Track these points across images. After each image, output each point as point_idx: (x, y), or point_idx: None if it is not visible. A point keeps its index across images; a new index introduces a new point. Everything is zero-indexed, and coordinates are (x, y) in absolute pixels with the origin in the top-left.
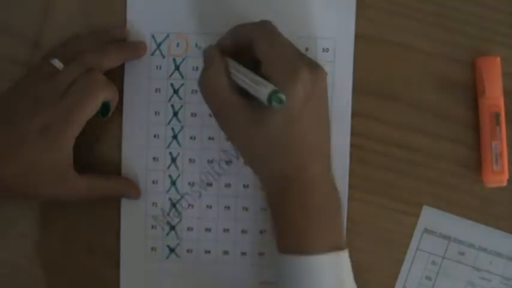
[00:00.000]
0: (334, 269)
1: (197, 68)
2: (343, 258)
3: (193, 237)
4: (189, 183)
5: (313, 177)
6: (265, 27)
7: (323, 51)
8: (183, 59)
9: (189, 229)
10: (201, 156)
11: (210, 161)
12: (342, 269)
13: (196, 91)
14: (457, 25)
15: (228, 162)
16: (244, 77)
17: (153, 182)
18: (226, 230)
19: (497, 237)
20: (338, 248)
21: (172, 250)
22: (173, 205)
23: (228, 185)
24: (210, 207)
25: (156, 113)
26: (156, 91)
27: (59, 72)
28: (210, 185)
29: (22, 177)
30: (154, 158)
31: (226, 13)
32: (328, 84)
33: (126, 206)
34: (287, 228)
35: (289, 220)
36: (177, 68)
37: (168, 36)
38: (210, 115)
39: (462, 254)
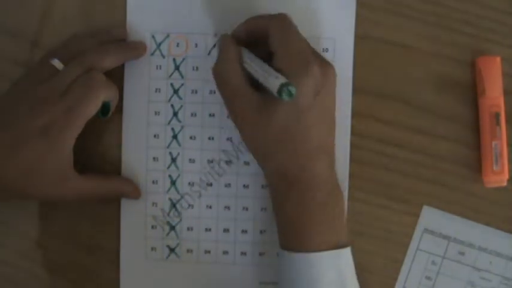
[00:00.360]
0: (336, 266)
1: (197, 68)
2: (344, 255)
3: (193, 237)
4: (189, 183)
5: (317, 175)
6: (282, 20)
7: (323, 51)
8: (183, 59)
9: (189, 229)
10: (201, 156)
11: (210, 161)
12: (343, 266)
13: (196, 91)
14: (457, 25)
15: (228, 162)
16: (257, 67)
17: (153, 182)
18: (226, 230)
19: (497, 237)
20: (340, 245)
21: (172, 250)
22: (173, 205)
23: (228, 185)
24: (210, 207)
25: (156, 113)
26: (156, 91)
27: (59, 73)
28: (210, 185)
29: (22, 178)
30: (154, 158)
31: (227, 13)
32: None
33: (126, 206)
34: (289, 225)
35: (291, 217)
36: (177, 68)
37: (168, 36)
38: (210, 115)
39: (462, 254)
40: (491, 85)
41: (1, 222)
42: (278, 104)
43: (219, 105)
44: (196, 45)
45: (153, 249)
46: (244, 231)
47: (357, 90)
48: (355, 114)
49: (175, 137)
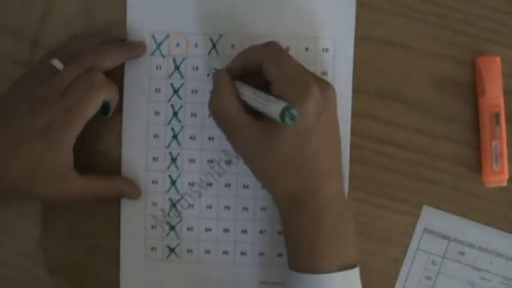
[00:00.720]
0: (346, 287)
1: (197, 68)
2: (353, 276)
3: (193, 237)
4: (189, 183)
5: (326, 197)
6: (274, 47)
7: (323, 51)
8: (183, 59)
9: (189, 229)
10: (201, 156)
11: (210, 161)
12: (352, 286)
13: (196, 91)
14: (457, 25)
15: (228, 162)
16: (255, 97)
17: (153, 182)
18: (226, 230)
19: (497, 237)
20: (349, 265)
21: (172, 250)
22: (173, 205)
23: (228, 185)
24: (210, 207)
25: (156, 113)
26: (156, 91)
27: (59, 73)
28: (210, 185)
29: (22, 178)
30: (154, 158)
31: (226, 13)
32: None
33: (126, 206)
34: (298, 246)
35: (301, 239)
36: (177, 68)
37: (168, 36)
38: (210, 115)
39: (462, 254)
40: (491, 85)
41: (1, 222)
42: (281, 130)
43: None
44: (196, 45)
45: (153, 249)
46: (244, 231)
47: (357, 90)
48: (355, 114)
49: (175, 137)
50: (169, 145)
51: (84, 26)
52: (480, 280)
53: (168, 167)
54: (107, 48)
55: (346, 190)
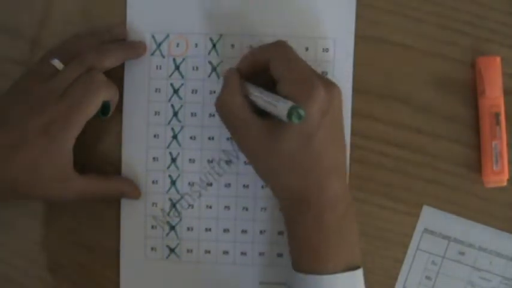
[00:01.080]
0: (350, 287)
1: (197, 68)
2: (357, 277)
3: (193, 237)
4: (189, 183)
5: (330, 197)
6: (281, 47)
7: (323, 51)
8: (183, 59)
9: (189, 229)
10: (201, 156)
11: (210, 161)
12: (356, 287)
13: (196, 91)
14: (457, 25)
15: (228, 162)
16: (262, 96)
17: (153, 182)
18: (226, 230)
19: (497, 237)
20: (353, 266)
21: (172, 250)
22: (173, 205)
23: (228, 185)
24: (210, 207)
25: (156, 113)
26: (156, 91)
27: (59, 72)
28: (210, 185)
29: (22, 178)
30: (154, 158)
31: (226, 13)
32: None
33: (126, 206)
34: (302, 247)
35: (305, 240)
36: (177, 68)
37: (168, 36)
38: (210, 115)
39: (462, 254)
40: (491, 85)
41: (1, 222)
42: (286, 129)
43: None
44: (196, 45)
45: (153, 249)
46: (244, 231)
47: (357, 90)
48: (355, 114)
49: (175, 137)
50: (169, 145)
51: (84, 26)
52: (480, 280)
53: (168, 167)
54: (107, 48)
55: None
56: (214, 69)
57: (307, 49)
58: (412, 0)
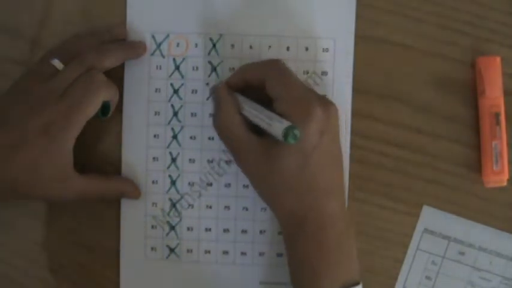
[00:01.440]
0: None
1: (197, 68)
2: None
3: (193, 237)
4: (189, 183)
5: (328, 216)
6: (277, 65)
7: (323, 51)
8: (183, 59)
9: (189, 229)
10: (201, 156)
11: (210, 161)
12: None
13: (196, 91)
14: (457, 25)
15: (228, 162)
16: (258, 113)
17: (153, 182)
18: (226, 230)
19: (497, 237)
20: (352, 282)
21: (172, 250)
22: (173, 205)
23: (228, 185)
24: (210, 207)
25: (156, 113)
26: (156, 91)
27: (59, 72)
28: (210, 185)
29: (23, 178)
30: (154, 158)
31: (226, 13)
32: (340, 120)
33: (126, 206)
34: (301, 265)
35: (303, 258)
36: (177, 68)
37: (168, 36)
38: (210, 115)
39: (462, 254)
40: (491, 85)
41: (1, 222)
42: (283, 149)
43: None
44: (196, 45)
45: (153, 249)
46: (244, 231)
47: (357, 90)
48: (355, 114)
49: (175, 137)
50: (169, 145)
51: (84, 26)
52: (480, 280)
53: (168, 167)
54: (107, 48)
55: (346, 190)
56: (214, 69)
57: (307, 49)
58: (412, 0)
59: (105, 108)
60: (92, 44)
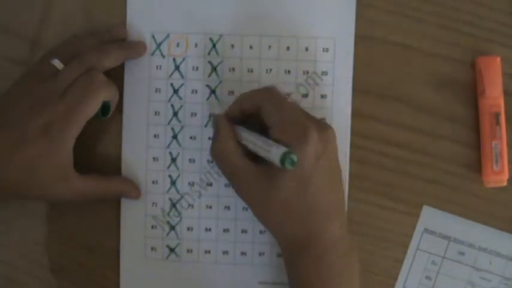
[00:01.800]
0: None
1: (197, 68)
2: None
3: (193, 237)
4: (189, 183)
5: (329, 239)
6: (271, 92)
7: (323, 51)
8: (183, 59)
9: (189, 229)
10: (201, 156)
11: (210, 161)
12: None
13: (196, 91)
14: (457, 25)
15: None
16: (255, 141)
17: (153, 182)
18: (226, 230)
19: (497, 237)
20: None
21: (172, 250)
22: (173, 205)
23: (228, 185)
24: (210, 207)
25: (156, 113)
26: (156, 91)
27: (59, 72)
28: (210, 185)
29: (23, 178)
30: (154, 158)
31: (226, 13)
32: (337, 143)
33: (126, 206)
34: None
35: (305, 280)
36: (177, 68)
37: (168, 36)
38: (210, 115)
39: (462, 254)
40: (491, 85)
41: (1, 222)
42: (281, 175)
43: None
44: (196, 45)
45: (153, 249)
46: (244, 231)
47: (357, 90)
48: (355, 114)
49: (175, 137)
50: (169, 145)
51: (84, 26)
52: (480, 280)
53: (168, 167)
54: (107, 48)
55: (346, 190)
56: (214, 69)
57: (307, 49)
58: (412, 0)
59: (105, 108)
60: (92, 44)
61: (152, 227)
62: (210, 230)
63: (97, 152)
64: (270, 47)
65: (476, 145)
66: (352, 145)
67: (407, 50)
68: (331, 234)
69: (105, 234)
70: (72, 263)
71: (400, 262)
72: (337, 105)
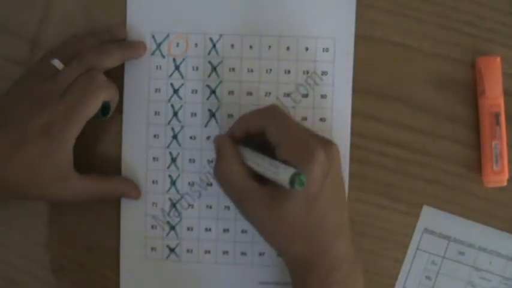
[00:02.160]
0: None
1: (197, 68)
2: None
3: (193, 237)
4: (189, 183)
5: (335, 258)
6: (275, 112)
7: (323, 51)
8: (183, 59)
9: (189, 229)
10: (201, 156)
11: (210, 161)
12: None
13: (196, 91)
14: (457, 25)
15: None
16: (261, 162)
17: (153, 182)
18: (226, 230)
19: (497, 237)
20: None
21: (172, 250)
22: (173, 205)
23: None
24: (210, 207)
25: (156, 113)
26: (156, 91)
27: (59, 72)
28: (210, 185)
29: (22, 177)
30: (154, 158)
31: (226, 13)
32: (340, 158)
33: (126, 206)
34: None
35: None
36: (177, 68)
37: (168, 36)
38: (210, 116)
39: (462, 254)
40: (491, 85)
41: (1, 222)
42: (288, 195)
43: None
44: (196, 45)
45: (153, 249)
46: (244, 231)
47: (357, 90)
48: (355, 114)
49: (175, 137)
50: (169, 145)
51: (84, 26)
52: (480, 280)
53: (168, 167)
54: (107, 48)
55: (346, 190)
56: (214, 69)
57: (307, 49)
58: (412, 0)
59: (105, 108)
60: (92, 44)
61: (152, 227)
62: (210, 230)
63: (97, 152)
64: (270, 47)
65: (476, 145)
66: (352, 145)
67: (407, 50)
68: (337, 252)
69: (105, 234)
70: (72, 263)
71: (400, 262)
72: (337, 105)
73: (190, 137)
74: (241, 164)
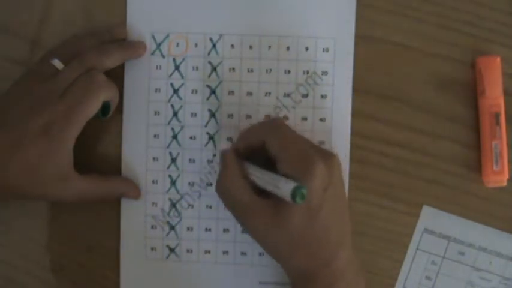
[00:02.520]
0: None
1: (197, 68)
2: None
3: (193, 237)
4: (189, 183)
5: (337, 269)
6: (275, 125)
7: (323, 51)
8: (183, 59)
9: (189, 229)
10: (201, 156)
11: (210, 161)
12: None
13: (196, 91)
14: (457, 25)
15: None
16: (263, 177)
17: (153, 182)
18: (226, 230)
19: (497, 237)
20: None
21: (172, 250)
22: (173, 205)
23: None
24: (210, 207)
25: (156, 113)
26: (156, 91)
27: (59, 72)
28: (210, 185)
29: (22, 178)
30: (154, 158)
31: (226, 13)
32: (341, 170)
33: (126, 206)
34: None
35: None
36: (177, 68)
37: (168, 36)
38: (210, 116)
39: (462, 254)
40: (491, 85)
41: (1, 222)
42: (290, 209)
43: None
44: (196, 45)
45: (153, 249)
46: (244, 231)
47: (357, 90)
48: (355, 114)
49: (175, 137)
50: (169, 145)
51: (84, 26)
52: (480, 280)
53: (168, 167)
54: (107, 48)
55: (346, 190)
56: (214, 69)
57: (307, 49)
58: (412, 0)
59: (105, 108)
60: (92, 44)
61: (152, 227)
62: (210, 230)
63: (97, 152)
64: (270, 47)
65: (476, 145)
66: (352, 145)
67: (407, 50)
68: (339, 263)
69: (105, 234)
70: (72, 263)
71: (400, 262)
72: (337, 105)
73: (190, 137)
74: (244, 177)
